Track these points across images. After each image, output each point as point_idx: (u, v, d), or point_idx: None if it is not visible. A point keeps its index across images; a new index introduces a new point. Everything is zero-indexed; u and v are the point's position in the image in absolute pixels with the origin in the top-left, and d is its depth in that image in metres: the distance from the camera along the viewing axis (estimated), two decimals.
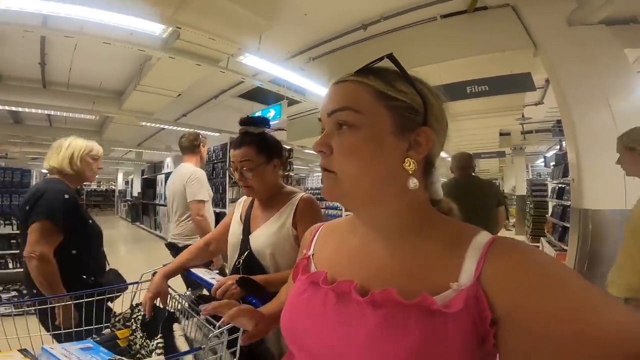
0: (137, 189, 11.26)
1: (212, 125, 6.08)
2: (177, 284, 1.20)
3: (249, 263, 1.17)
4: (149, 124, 5.48)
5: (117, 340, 1.04)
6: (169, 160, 8.60)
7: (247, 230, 1.23)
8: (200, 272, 1.25)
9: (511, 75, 3.23)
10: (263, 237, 1.18)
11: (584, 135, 2.62)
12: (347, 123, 0.47)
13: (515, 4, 2.72)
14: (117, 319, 1.07)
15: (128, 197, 13.40)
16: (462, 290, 0.40)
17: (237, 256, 1.24)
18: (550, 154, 7.86)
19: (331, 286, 0.50)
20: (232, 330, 0.79)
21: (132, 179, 12.67)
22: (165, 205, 7.96)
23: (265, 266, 1.17)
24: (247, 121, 1.18)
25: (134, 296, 1.16)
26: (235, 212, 1.36)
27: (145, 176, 10.80)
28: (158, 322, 0.98)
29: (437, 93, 0.51)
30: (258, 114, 4.66)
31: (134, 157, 11.37)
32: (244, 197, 1.36)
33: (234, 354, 0.80)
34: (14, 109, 4.35)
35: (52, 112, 4.43)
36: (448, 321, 0.39)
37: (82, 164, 1.57)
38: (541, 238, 5.34)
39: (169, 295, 1.11)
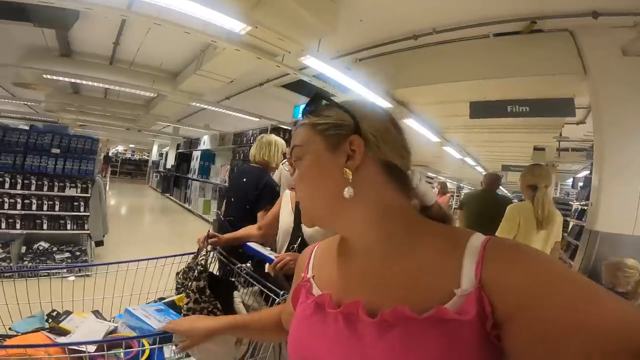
0: (170, 161, 11.96)
1: (253, 111, 6.37)
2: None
3: (302, 248, 1.29)
4: (196, 104, 5.84)
5: (178, 304, 1.23)
6: (205, 138, 9.03)
7: (298, 221, 1.43)
8: (259, 247, 1.44)
9: (554, 100, 3.29)
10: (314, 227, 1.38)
11: (612, 160, 2.68)
12: (297, 157, 0.56)
13: (574, 29, 2.77)
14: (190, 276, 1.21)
15: (161, 169, 14.19)
16: (468, 295, 0.41)
17: (288, 242, 1.45)
18: (580, 174, 7.71)
19: (338, 310, 0.50)
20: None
21: (166, 152, 13.39)
22: (199, 180, 8.49)
23: None
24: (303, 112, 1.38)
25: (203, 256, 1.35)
26: (285, 204, 1.56)
27: (180, 150, 11.33)
28: (222, 290, 1.14)
29: (371, 106, 0.57)
30: (302, 106, 4.88)
31: (171, 132, 12.02)
32: (287, 191, 1.58)
33: None
34: (80, 82, 4.79)
35: (117, 88, 4.85)
36: (463, 328, 0.40)
37: (279, 159, 2.30)
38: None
39: (229, 267, 1.34)
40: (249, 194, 2.23)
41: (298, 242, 1.41)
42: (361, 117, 0.52)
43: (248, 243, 1.45)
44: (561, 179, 9.50)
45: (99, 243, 4.30)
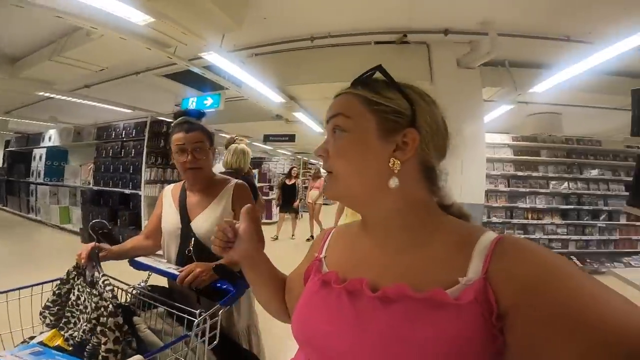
0: None
1: (125, 102, 5.56)
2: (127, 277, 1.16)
3: (199, 250, 1.21)
4: (44, 94, 4.70)
5: (51, 345, 0.92)
6: (52, 133, 7.29)
7: (185, 218, 1.26)
8: (151, 262, 1.19)
9: None
10: (207, 223, 1.23)
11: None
12: (339, 127, 0.53)
13: (430, 43, 3.52)
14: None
15: None
16: (470, 285, 0.42)
17: (179, 244, 1.26)
18: None
19: (343, 285, 0.52)
20: (212, 316, 0.86)
21: None
22: (46, 184, 6.82)
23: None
24: (188, 112, 1.28)
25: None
26: (166, 202, 1.36)
27: (12, 149, 8.79)
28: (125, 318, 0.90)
29: (429, 98, 0.55)
30: (193, 99, 4.58)
31: None
32: (169, 187, 1.40)
33: (209, 339, 0.85)
34: None
35: None
36: (460, 313, 0.41)
37: (248, 167, 2.62)
38: None
39: (120, 289, 1.10)
40: None
41: (192, 242, 1.23)
42: (419, 109, 0.52)
43: (136, 259, 1.22)
44: None
45: None
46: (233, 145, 2.61)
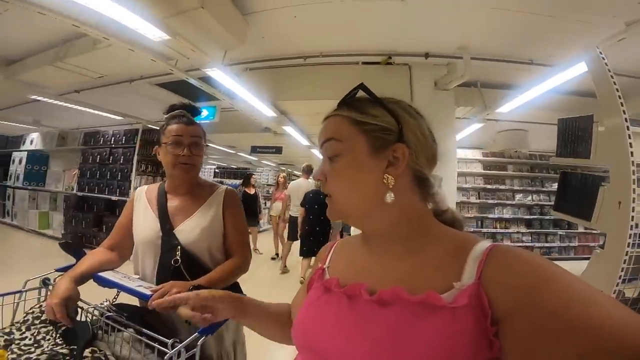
0: None
1: (111, 107, 5.64)
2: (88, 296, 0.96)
3: (188, 261, 1.07)
4: (35, 97, 4.75)
5: None
6: (34, 136, 7.17)
7: (167, 225, 1.10)
8: (118, 278, 1.00)
9: None
10: (195, 230, 1.10)
11: None
12: (333, 152, 0.55)
13: (412, 65, 3.91)
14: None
15: None
16: (464, 289, 0.43)
17: (159, 255, 1.09)
18: None
19: (342, 289, 0.54)
20: (189, 346, 0.73)
21: None
22: (25, 189, 6.66)
23: (204, 262, 1.10)
24: (187, 107, 1.18)
25: (16, 309, 0.93)
26: (139, 206, 1.17)
27: None
28: (80, 340, 0.80)
29: (414, 111, 0.56)
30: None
31: None
32: (141, 189, 1.23)
33: None
34: None
35: None
36: (454, 316, 0.42)
37: None
38: None
39: (80, 308, 0.93)
40: None
41: (179, 252, 1.06)
42: (405, 123, 0.53)
43: (101, 274, 1.00)
44: None
45: None
46: None
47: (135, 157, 5.60)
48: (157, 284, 1.01)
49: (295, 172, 14.31)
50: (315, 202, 4.28)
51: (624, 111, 1.69)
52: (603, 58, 1.93)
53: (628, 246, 1.58)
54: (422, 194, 0.56)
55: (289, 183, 5.89)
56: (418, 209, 0.55)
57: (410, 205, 0.54)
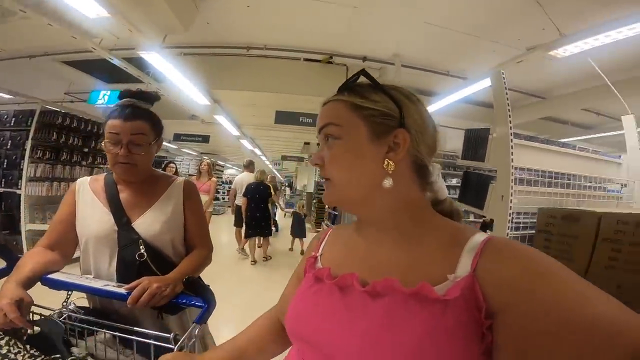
0: None
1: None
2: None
3: (152, 255, 1.02)
4: None
5: None
6: None
7: (123, 218, 1.03)
8: (75, 279, 0.91)
9: None
10: (157, 223, 1.05)
11: None
12: (331, 136, 0.54)
13: (350, 66, 4.18)
14: None
15: None
16: (458, 281, 0.43)
17: (117, 251, 1.01)
18: None
19: (334, 280, 0.53)
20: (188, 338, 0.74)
21: None
22: None
23: (168, 255, 1.07)
24: (138, 95, 1.06)
25: None
26: (84, 199, 1.07)
27: None
28: (54, 341, 0.74)
29: (415, 98, 0.55)
30: (106, 92, 4.21)
31: None
32: (83, 180, 1.11)
33: None
34: None
35: None
36: (447, 309, 0.41)
37: None
38: (322, 223, 7.45)
39: (40, 315, 0.84)
40: None
41: (142, 247, 1.00)
42: (406, 109, 0.53)
43: (53, 276, 0.91)
44: None
45: None
46: None
47: (30, 142, 4.71)
48: (119, 281, 0.97)
49: (219, 162, 13.69)
50: (256, 193, 4.96)
51: (510, 120, 2.13)
52: (503, 77, 2.41)
53: (508, 229, 2.02)
54: (420, 183, 0.55)
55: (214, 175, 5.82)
56: (416, 197, 0.54)
57: (409, 193, 0.54)
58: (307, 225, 7.39)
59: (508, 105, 2.19)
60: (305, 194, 11.66)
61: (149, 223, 1.04)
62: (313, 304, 0.54)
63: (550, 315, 0.36)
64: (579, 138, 6.28)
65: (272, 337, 0.70)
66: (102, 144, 1.03)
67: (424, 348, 0.40)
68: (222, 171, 15.18)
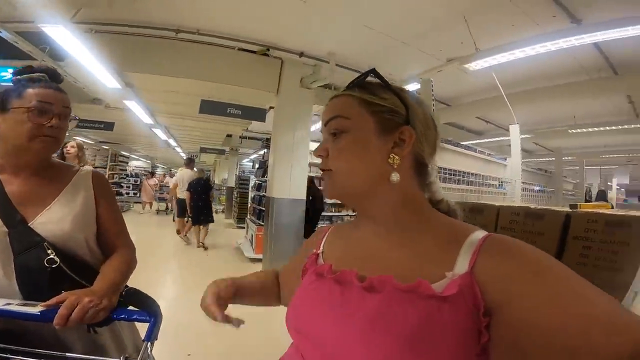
0: None
1: None
2: None
3: (66, 259, 0.85)
4: None
5: None
6: None
7: (15, 217, 0.84)
8: None
9: (255, 108, 4.87)
10: (66, 220, 0.88)
11: (279, 149, 4.30)
12: (338, 129, 0.55)
13: (285, 60, 4.16)
14: None
15: None
16: (456, 279, 0.43)
17: (11, 257, 0.82)
18: (254, 156, 10.39)
19: (334, 276, 0.54)
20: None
21: None
22: None
23: (83, 257, 0.90)
24: (49, 72, 0.94)
25: None
26: None
27: None
28: None
29: (420, 100, 0.58)
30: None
31: None
32: None
33: None
34: None
35: None
36: (443, 306, 0.41)
37: None
38: (245, 218, 7.18)
39: None
40: None
41: (51, 250, 0.83)
42: (412, 109, 0.54)
43: None
44: (240, 160, 11.98)
45: None
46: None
47: None
48: (23, 294, 0.80)
49: (122, 152, 12.09)
50: (197, 187, 5.81)
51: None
52: (432, 85, 2.74)
53: None
54: (420, 182, 0.57)
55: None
56: (416, 195, 0.56)
57: (409, 190, 0.55)
58: (230, 222, 7.46)
59: (433, 111, 2.51)
60: (225, 188, 11.15)
61: (55, 221, 0.86)
62: (313, 299, 0.55)
63: (547, 313, 0.36)
64: (471, 142, 7.31)
65: (276, 282, 0.78)
66: (10, 112, 0.84)
67: (416, 341, 0.41)
68: (127, 162, 13.66)
